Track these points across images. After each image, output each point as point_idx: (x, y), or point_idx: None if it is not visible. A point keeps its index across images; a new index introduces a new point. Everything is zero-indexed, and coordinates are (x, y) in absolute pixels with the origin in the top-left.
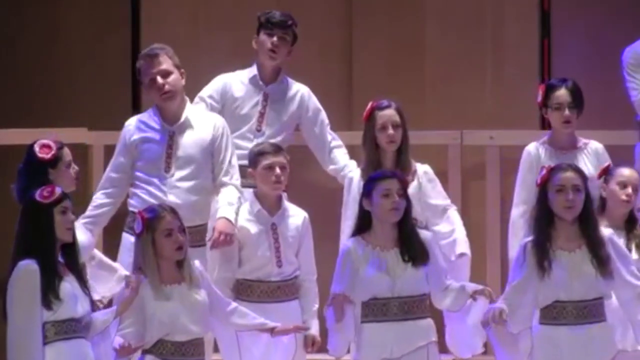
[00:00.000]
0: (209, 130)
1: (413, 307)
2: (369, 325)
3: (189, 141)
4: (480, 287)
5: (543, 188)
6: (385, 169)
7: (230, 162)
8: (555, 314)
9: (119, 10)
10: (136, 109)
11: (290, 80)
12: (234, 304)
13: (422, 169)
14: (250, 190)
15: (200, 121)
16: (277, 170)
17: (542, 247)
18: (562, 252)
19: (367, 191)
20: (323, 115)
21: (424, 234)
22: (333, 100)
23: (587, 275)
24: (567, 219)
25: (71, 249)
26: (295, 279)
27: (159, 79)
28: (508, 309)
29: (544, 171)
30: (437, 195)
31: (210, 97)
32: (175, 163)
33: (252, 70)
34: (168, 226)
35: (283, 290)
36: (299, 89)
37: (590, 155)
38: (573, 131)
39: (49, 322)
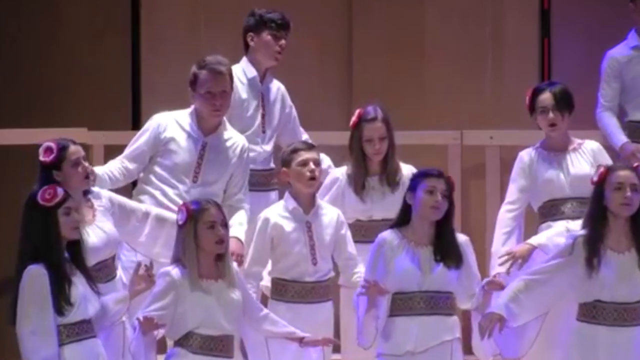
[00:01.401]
0: (236, 152)
1: (439, 302)
2: (394, 319)
3: (219, 158)
4: (489, 279)
5: (599, 186)
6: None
7: (246, 185)
8: (595, 313)
9: (119, 10)
10: (136, 109)
11: (270, 76)
12: (265, 310)
13: (407, 171)
14: (282, 191)
15: (230, 139)
16: (311, 165)
17: (594, 245)
18: (612, 252)
19: (412, 185)
20: (294, 111)
21: (461, 238)
22: (333, 100)
23: (633, 279)
24: (623, 216)
25: (77, 246)
26: (329, 280)
27: (218, 98)
28: (529, 285)
29: (602, 169)
30: None
31: None
32: (203, 175)
33: (250, 70)
34: (211, 218)
35: (317, 291)
36: (279, 86)
37: (586, 154)
38: (564, 133)
39: (61, 325)
